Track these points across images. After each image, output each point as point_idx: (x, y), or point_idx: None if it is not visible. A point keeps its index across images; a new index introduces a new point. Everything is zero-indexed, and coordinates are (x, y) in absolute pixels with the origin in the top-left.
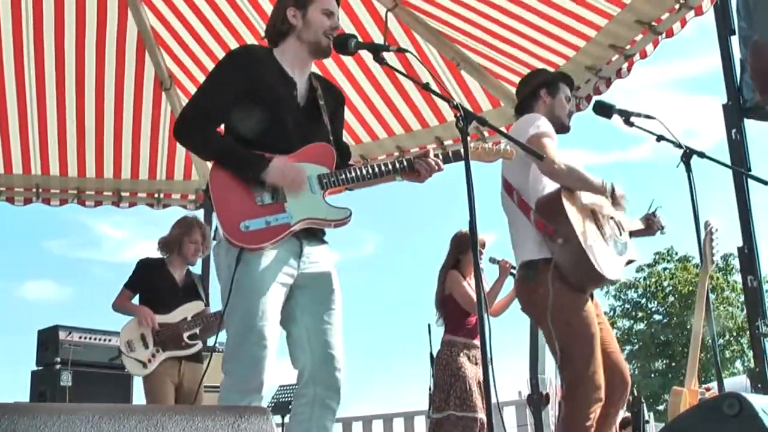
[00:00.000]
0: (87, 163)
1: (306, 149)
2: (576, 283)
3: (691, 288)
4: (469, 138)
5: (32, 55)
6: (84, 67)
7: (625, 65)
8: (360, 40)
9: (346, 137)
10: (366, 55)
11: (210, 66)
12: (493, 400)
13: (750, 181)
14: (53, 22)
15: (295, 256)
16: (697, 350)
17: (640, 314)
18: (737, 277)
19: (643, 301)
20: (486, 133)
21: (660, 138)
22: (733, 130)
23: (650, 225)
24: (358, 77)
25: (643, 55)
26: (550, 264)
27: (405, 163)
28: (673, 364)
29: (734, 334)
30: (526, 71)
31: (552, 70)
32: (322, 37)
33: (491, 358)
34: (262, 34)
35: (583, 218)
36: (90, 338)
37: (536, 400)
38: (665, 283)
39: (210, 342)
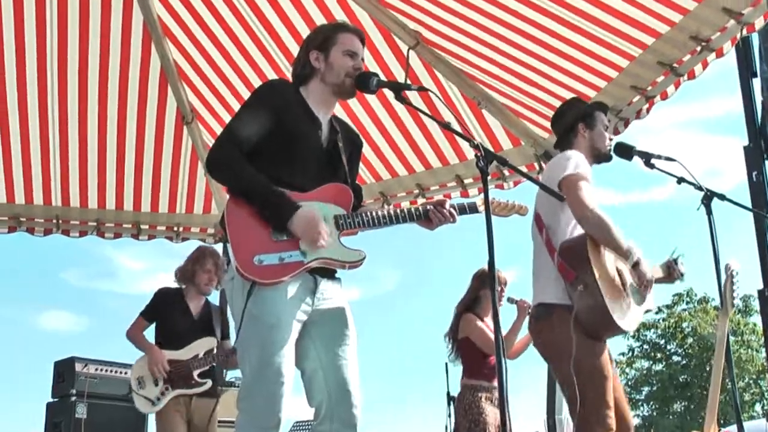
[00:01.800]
0: (107, 194)
1: (324, 189)
2: (592, 331)
3: (710, 330)
4: (489, 178)
5: (56, 85)
6: (107, 100)
7: (645, 106)
8: (382, 78)
9: (366, 173)
10: (387, 92)
11: (231, 100)
12: None
13: None
14: (77, 55)
15: (310, 293)
16: (716, 393)
17: (659, 355)
18: (756, 319)
19: (662, 342)
20: (506, 173)
21: (681, 180)
22: (755, 173)
23: (671, 273)
24: (379, 113)
25: (664, 97)
26: (567, 309)
27: (421, 211)
28: (692, 405)
29: (754, 377)
30: (547, 111)
31: (578, 98)
32: (345, 78)
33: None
34: (284, 69)
35: (605, 267)
36: (105, 370)
37: None
38: (684, 324)
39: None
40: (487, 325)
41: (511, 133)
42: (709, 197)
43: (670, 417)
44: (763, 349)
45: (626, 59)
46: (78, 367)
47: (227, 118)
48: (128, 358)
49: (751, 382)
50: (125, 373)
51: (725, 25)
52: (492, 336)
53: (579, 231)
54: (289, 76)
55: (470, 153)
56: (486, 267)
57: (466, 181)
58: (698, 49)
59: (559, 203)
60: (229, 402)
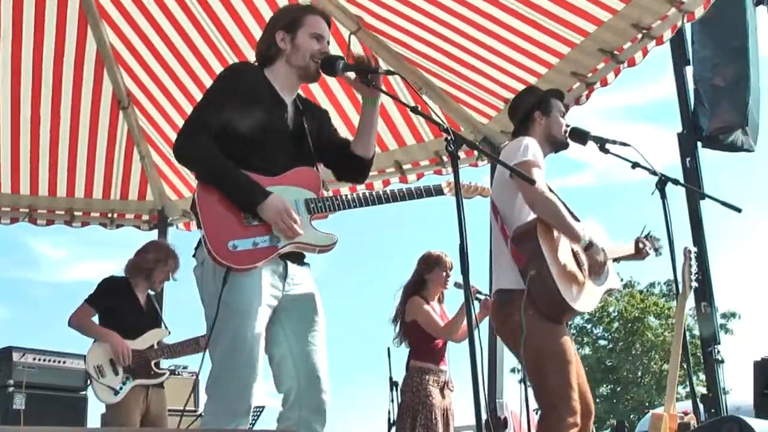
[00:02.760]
0: (40, 180)
1: (293, 173)
2: (549, 315)
3: (636, 314)
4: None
5: None
6: (41, 82)
7: (585, 93)
8: (347, 61)
9: None
10: None
11: (169, 85)
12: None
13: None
14: (10, 38)
15: (280, 278)
16: (675, 375)
17: (585, 339)
18: None
19: (589, 326)
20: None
21: (635, 165)
22: (688, 159)
23: (639, 250)
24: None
25: (604, 83)
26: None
27: (389, 195)
28: (618, 389)
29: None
30: (487, 97)
31: (535, 86)
32: (311, 62)
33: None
34: (223, 53)
35: (558, 249)
36: (45, 360)
37: (495, 425)
38: (611, 309)
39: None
40: (432, 308)
41: (451, 118)
42: (663, 182)
43: (597, 401)
44: (688, 333)
45: (567, 46)
46: (15, 356)
47: (165, 102)
48: (57, 347)
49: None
50: (64, 362)
51: (666, 13)
52: (437, 320)
53: (533, 217)
54: (228, 59)
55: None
56: (432, 251)
57: (443, 159)
58: (639, 36)
59: (512, 190)
60: (175, 391)
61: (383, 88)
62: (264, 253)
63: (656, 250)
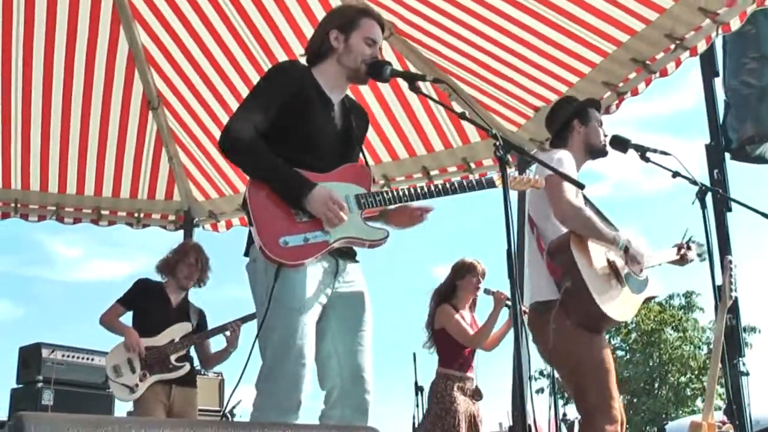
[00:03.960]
0: (68, 179)
1: (344, 169)
2: (587, 325)
3: (653, 326)
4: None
5: (20, 68)
6: (72, 82)
7: (616, 102)
8: (394, 67)
9: (368, 157)
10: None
11: (200, 86)
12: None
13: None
14: (44, 36)
15: (331, 275)
16: (713, 384)
17: None
18: (697, 315)
19: (607, 337)
20: (509, 159)
21: (675, 174)
22: (716, 170)
23: (682, 256)
24: (386, 95)
25: (635, 93)
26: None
27: (440, 188)
28: (635, 400)
29: (696, 372)
30: (517, 105)
31: (573, 96)
32: (362, 65)
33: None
34: (256, 55)
35: (592, 261)
36: (73, 357)
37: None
38: (628, 320)
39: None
40: (462, 316)
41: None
42: (703, 192)
43: None
44: (705, 346)
45: (600, 55)
46: (45, 353)
47: (195, 104)
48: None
49: (693, 377)
50: (93, 359)
51: (700, 24)
52: (467, 328)
53: (565, 230)
54: (260, 60)
55: (474, 136)
56: (466, 258)
57: (471, 165)
58: (672, 47)
59: (547, 203)
60: (205, 390)
61: (435, 96)
62: (315, 249)
63: (699, 255)
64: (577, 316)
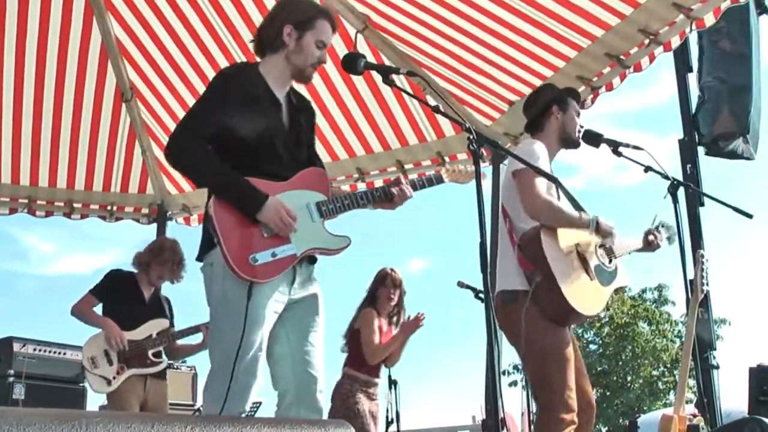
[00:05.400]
0: (40, 172)
1: (302, 175)
2: (555, 318)
3: (626, 319)
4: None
5: None
6: (44, 73)
7: (590, 96)
8: (368, 60)
9: (342, 150)
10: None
11: (174, 79)
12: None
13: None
14: (15, 26)
15: (289, 283)
16: (685, 377)
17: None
18: (669, 308)
19: (580, 330)
20: (484, 152)
21: (648, 169)
22: (688, 165)
23: (650, 242)
24: (360, 89)
25: (609, 88)
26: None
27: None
28: (608, 393)
29: (668, 365)
30: (491, 98)
31: (554, 84)
32: (309, 66)
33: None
34: (229, 48)
35: (564, 254)
36: (45, 351)
37: (493, 425)
38: (601, 314)
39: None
40: (381, 325)
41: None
42: (675, 186)
43: None
44: (678, 340)
45: (574, 49)
46: (16, 347)
47: (168, 96)
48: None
49: (665, 371)
50: (65, 353)
51: (674, 19)
52: (375, 340)
53: (535, 223)
54: (234, 54)
55: (448, 130)
56: (385, 268)
57: (446, 159)
58: (646, 42)
59: (518, 195)
60: (177, 384)
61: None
62: (284, 264)
63: (668, 238)
64: (548, 309)
